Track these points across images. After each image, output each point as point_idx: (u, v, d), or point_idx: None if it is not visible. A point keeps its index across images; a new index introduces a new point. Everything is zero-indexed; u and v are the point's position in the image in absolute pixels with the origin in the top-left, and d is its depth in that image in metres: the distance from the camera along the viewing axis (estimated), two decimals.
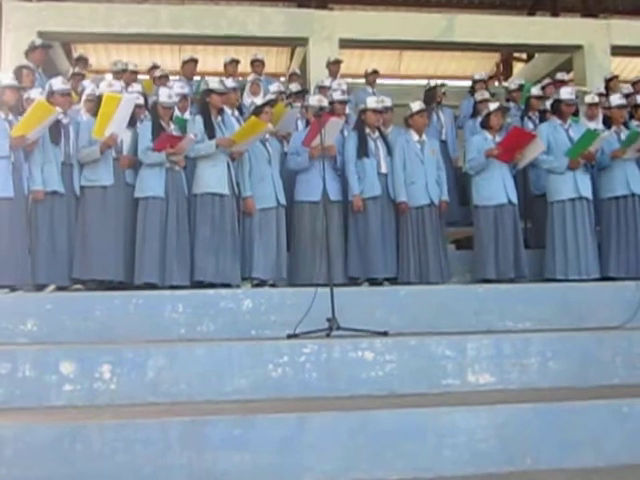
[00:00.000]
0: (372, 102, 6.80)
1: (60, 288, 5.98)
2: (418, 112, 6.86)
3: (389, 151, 6.76)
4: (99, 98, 6.23)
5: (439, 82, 8.76)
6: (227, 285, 6.04)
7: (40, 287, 5.98)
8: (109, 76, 8.68)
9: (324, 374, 4.18)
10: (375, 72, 9.93)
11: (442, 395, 4.16)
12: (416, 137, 6.83)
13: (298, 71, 10.06)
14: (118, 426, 3.40)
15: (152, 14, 10.95)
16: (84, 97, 7.08)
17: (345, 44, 11.35)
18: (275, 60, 14.59)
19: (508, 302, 5.64)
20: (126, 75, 8.61)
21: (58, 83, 6.36)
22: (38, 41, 8.42)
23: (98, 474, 3.31)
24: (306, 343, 4.26)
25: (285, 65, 14.69)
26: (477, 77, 9.34)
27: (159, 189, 6.09)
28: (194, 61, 9.41)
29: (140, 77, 9.19)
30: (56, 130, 6.13)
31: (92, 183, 6.15)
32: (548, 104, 7.44)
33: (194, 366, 4.14)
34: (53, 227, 6.04)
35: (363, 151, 6.62)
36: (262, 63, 9.88)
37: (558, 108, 6.97)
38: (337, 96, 7.33)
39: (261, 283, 6.35)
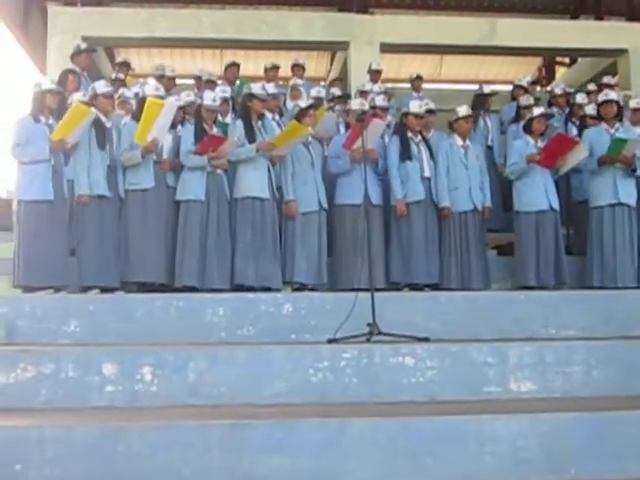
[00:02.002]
0: (414, 106, 6.78)
1: (104, 290, 6.04)
2: (464, 117, 6.83)
3: (432, 155, 6.73)
4: (141, 101, 6.29)
5: (491, 89, 8.66)
6: (267, 289, 6.05)
7: (84, 289, 6.05)
8: (152, 81, 8.76)
9: (364, 379, 4.15)
10: (419, 78, 9.96)
11: (483, 402, 4.11)
12: (460, 142, 6.79)
13: (340, 77, 10.06)
14: (158, 428, 3.41)
15: (194, 19, 11.02)
16: (119, 99, 7.18)
17: (386, 48, 11.29)
18: (315, 64, 14.59)
19: (551, 309, 5.56)
20: (164, 80, 8.68)
21: (101, 86, 6.42)
22: (83, 45, 8.52)
23: (138, 475, 3.32)
24: (346, 348, 4.24)
25: (325, 69, 14.69)
26: (520, 82, 9.24)
27: (200, 192, 6.13)
28: (236, 65, 9.48)
29: (180, 82, 9.30)
30: (102, 134, 6.20)
31: (134, 186, 6.21)
32: (588, 109, 7.36)
33: (234, 369, 4.13)
34: (99, 230, 6.10)
35: (406, 155, 6.61)
36: (303, 68, 9.92)
37: (602, 112, 6.89)
38: (379, 101, 7.32)
39: (301, 287, 6.36)
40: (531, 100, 8.16)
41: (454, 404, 4.05)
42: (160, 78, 8.78)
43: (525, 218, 6.63)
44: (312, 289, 6.37)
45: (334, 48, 12.43)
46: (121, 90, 7.50)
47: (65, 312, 5.20)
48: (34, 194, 5.84)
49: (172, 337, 5.01)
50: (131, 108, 6.61)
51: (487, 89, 8.68)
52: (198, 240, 6.08)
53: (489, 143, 8.27)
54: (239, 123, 6.43)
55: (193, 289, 5.97)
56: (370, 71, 9.82)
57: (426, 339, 4.71)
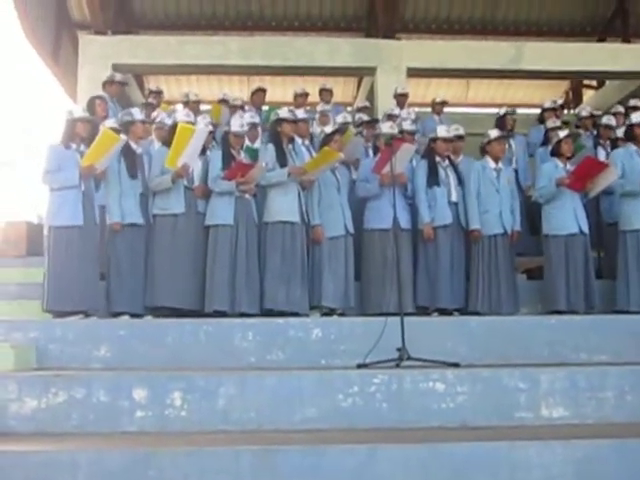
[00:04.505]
0: (442, 131, 6.80)
1: (133, 316, 6.07)
2: (496, 139, 6.82)
3: (460, 180, 6.73)
4: (173, 127, 6.35)
5: (507, 109, 8.66)
6: (296, 314, 6.05)
7: (114, 314, 6.08)
8: (180, 107, 8.86)
9: (394, 405, 4.13)
10: (444, 102, 9.97)
11: (515, 428, 4.06)
12: (493, 165, 6.79)
13: (368, 104, 10.10)
14: (190, 453, 3.41)
15: (222, 46, 11.13)
16: (155, 125, 7.26)
17: (413, 73, 11.33)
18: (342, 89, 14.65)
19: (582, 334, 5.49)
20: (189, 105, 8.78)
21: (138, 113, 6.51)
22: (118, 76, 8.67)
23: None
24: (376, 373, 4.22)
25: (352, 94, 14.74)
26: (547, 105, 9.22)
27: (229, 217, 6.16)
28: (263, 91, 9.58)
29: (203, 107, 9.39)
30: (132, 162, 6.26)
31: (164, 211, 6.25)
32: (619, 132, 7.32)
33: (264, 395, 4.12)
34: (130, 256, 6.17)
35: (434, 180, 6.63)
36: (330, 92, 10.01)
37: (632, 133, 6.85)
38: (407, 126, 7.36)
39: (330, 312, 6.35)
40: (558, 123, 8.15)
41: (485, 430, 4.01)
42: (186, 104, 8.90)
43: (554, 242, 6.58)
44: (341, 314, 6.37)
45: (361, 73, 12.49)
46: (160, 116, 7.57)
47: (96, 337, 5.22)
48: (64, 220, 5.91)
49: (202, 362, 5.02)
50: (165, 134, 6.66)
51: (503, 111, 8.69)
52: (227, 265, 6.10)
53: (514, 166, 8.26)
54: (270, 147, 6.47)
55: (223, 314, 5.98)
56: (396, 95, 9.86)
57: (456, 364, 4.68)
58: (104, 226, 6.24)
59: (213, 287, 6.06)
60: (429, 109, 10.24)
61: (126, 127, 6.42)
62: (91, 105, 7.44)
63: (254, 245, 6.25)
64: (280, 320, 5.55)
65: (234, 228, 6.16)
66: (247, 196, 6.28)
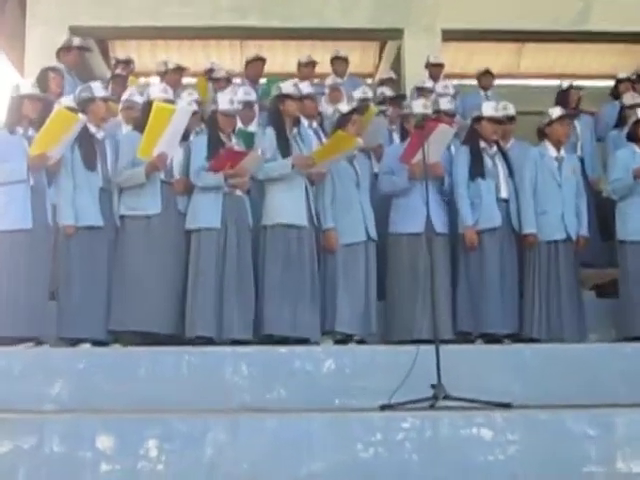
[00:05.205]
0: (490, 109, 6.81)
1: (96, 343, 6.08)
2: (558, 119, 6.83)
3: (510, 171, 6.74)
4: (146, 107, 6.37)
5: (574, 83, 8.65)
6: (303, 341, 6.07)
7: (72, 341, 6.09)
8: (156, 81, 8.86)
9: (428, 457, 4.13)
10: (488, 73, 9.94)
11: None
12: (553, 152, 6.80)
13: (393, 75, 10.09)
14: None
15: (209, 3, 11.18)
16: (123, 104, 7.27)
17: (450, 36, 11.34)
18: (360, 57, 14.66)
19: None
20: (168, 76, 8.75)
21: (99, 88, 6.53)
22: (76, 41, 8.70)
23: None
24: (405, 416, 4.22)
25: (373, 63, 14.76)
26: (623, 76, 9.21)
27: (215, 219, 6.18)
28: (261, 60, 9.57)
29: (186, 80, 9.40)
30: (90, 151, 6.28)
31: (134, 212, 6.27)
32: None
33: (261, 443, 4.13)
34: (88, 268, 6.17)
35: (478, 170, 6.63)
36: (345, 61, 10.01)
37: None
38: (444, 104, 7.37)
39: (346, 338, 6.36)
40: (637, 99, 8.13)
41: None
42: (163, 76, 8.88)
43: (633, 249, 6.61)
44: (360, 341, 6.38)
45: (384, 37, 12.51)
46: (128, 92, 7.59)
47: (49, 370, 5.26)
48: (8, 222, 5.94)
49: (183, 402, 5.02)
50: (136, 115, 6.67)
51: (566, 84, 8.68)
52: (214, 279, 6.12)
53: (578, 153, 8.25)
54: (270, 132, 6.48)
55: (209, 341, 6.00)
56: (428, 65, 9.85)
57: (507, 405, 4.69)
58: (59, 230, 6.25)
59: (196, 307, 6.08)
60: (471, 81, 10.23)
61: (84, 106, 6.42)
62: (43, 79, 7.46)
63: (248, 254, 6.27)
64: (282, 349, 5.58)
65: (222, 233, 6.18)
66: (239, 192, 6.30)
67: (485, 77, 9.96)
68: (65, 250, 6.19)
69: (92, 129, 6.37)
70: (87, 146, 6.28)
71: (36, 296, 5.95)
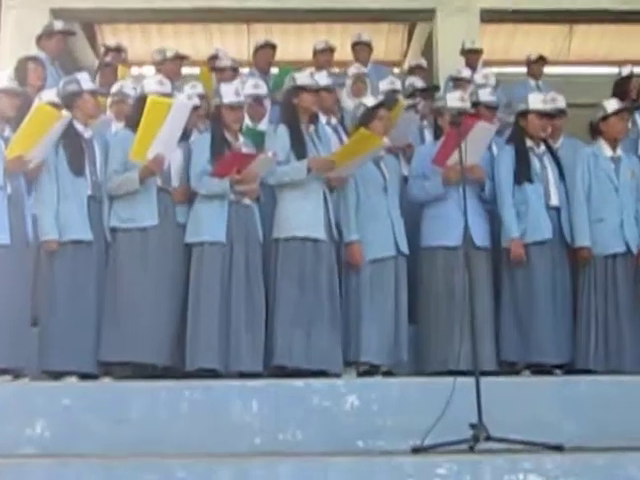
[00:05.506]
0: (537, 101, 6.81)
1: (83, 376, 6.08)
2: (615, 113, 6.83)
3: (561, 174, 6.72)
4: (140, 101, 6.39)
5: (634, 70, 8.63)
6: (322, 373, 6.06)
7: (56, 374, 6.09)
8: (151, 71, 8.89)
9: None
10: (542, 59, 9.93)
11: None
12: (609, 151, 6.80)
13: (424, 63, 10.09)
14: None
15: None
16: (113, 98, 7.30)
17: (489, 17, 11.35)
18: (386, 42, 14.71)
19: None
20: (166, 66, 8.77)
21: (87, 80, 6.53)
22: (59, 25, 8.71)
23: None
24: (441, 461, 4.23)
25: (400, 49, 14.80)
26: None
27: (219, 231, 6.19)
28: (271, 47, 9.60)
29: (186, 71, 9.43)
30: (77, 153, 6.29)
31: (128, 224, 6.28)
32: None
33: None
34: (75, 288, 6.16)
35: (524, 174, 6.62)
36: (368, 47, 10.02)
37: None
38: (485, 96, 7.37)
39: (372, 370, 6.37)
40: None
41: None
42: (160, 65, 8.90)
43: None
44: (387, 373, 6.38)
45: (413, 18, 12.53)
46: (118, 85, 7.62)
47: (29, 408, 5.25)
48: None
49: (184, 445, 5.03)
50: (129, 111, 6.69)
51: (626, 71, 8.65)
52: (218, 301, 6.13)
53: (639, 152, 8.22)
54: (282, 130, 6.48)
55: (213, 374, 6.00)
56: (464, 51, 9.87)
57: (558, 447, 4.66)
58: (41, 246, 6.26)
59: (199, 334, 6.08)
60: (514, 70, 10.22)
61: (70, 101, 6.44)
62: (21, 69, 7.49)
63: (258, 272, 6.28)
64: (298, 382, 5.57)
65: (228, 247, 6.20)
66: (247, 201, 6.32)
67: (537, 64, 9.96)
68: (48, 269, 6.20)
69: (79, 127, 6.37)
70: (74, 147, 6.28)
71: (15, 322, 5.95)
